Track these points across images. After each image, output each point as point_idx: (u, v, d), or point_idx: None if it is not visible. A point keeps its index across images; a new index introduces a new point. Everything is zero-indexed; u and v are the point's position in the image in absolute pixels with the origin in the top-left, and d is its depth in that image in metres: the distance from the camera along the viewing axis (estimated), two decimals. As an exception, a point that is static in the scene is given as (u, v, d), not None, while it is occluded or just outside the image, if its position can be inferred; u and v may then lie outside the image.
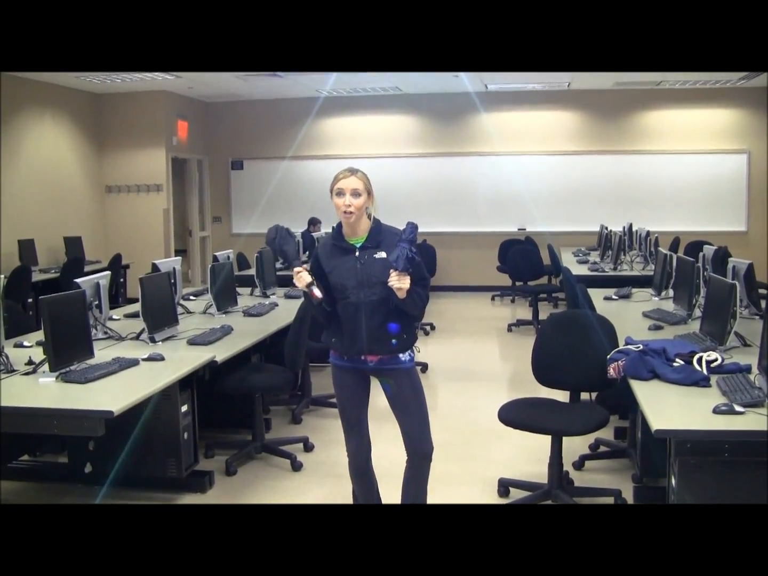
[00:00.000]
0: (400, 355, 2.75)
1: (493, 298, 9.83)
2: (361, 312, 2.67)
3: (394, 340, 2.70)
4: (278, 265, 7.23)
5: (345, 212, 2.65)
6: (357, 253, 2.69)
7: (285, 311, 4.83)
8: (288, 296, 5.50)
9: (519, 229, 10.34)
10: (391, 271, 2.55)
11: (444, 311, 8.92)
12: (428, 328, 7.67)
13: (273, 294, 5.58)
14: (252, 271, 5.89)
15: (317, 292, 2.60)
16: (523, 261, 8.15)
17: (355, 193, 2.64)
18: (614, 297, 5.12)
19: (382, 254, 2.67)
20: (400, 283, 2.55)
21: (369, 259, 2.68)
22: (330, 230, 3.01)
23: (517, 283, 8.64)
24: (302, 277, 2.61)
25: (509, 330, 7.66)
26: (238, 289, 5.29)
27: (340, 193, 2.64)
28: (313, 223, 9.44)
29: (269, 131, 10.80)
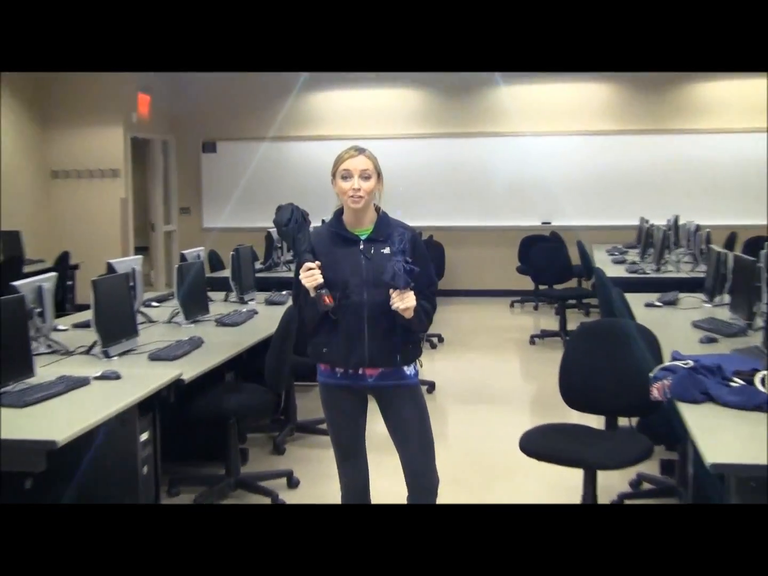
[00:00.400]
0: (405, 368, 2.78)
1: (512, 305, 9.86)
2: (364, 314, 2.69)
3: (400, 350, 2.73)
4: (258, 265, 7.26)
5: (353, 197, 2.67)
6: (362, 246, 2.72)
7: (266, 320, 4.84)
8: (270, 302, 5.50)
9: (543, 223, 10.39)
10: (391, 292, 2.59)
11: (454, 320, 8.95)
12: (435, 340, 7.68)
13: (252, 300, 5.59)
14: (227, 273, 5.90)
15: (329, 297, 2.62)
16: (547, 261, 8.19)
17: (365, 176, 2.68)
18: (657, 303, 5.12)
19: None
20: (404, 302, 2.59)
21: (376, 254, 2.71)
22: (322, 223, 3.01)
23: (541, 287, 8.68)
24: (314, 275, 2.62)
25: (532, 342, 7.68)
26: (210, 294, 5.30)
27: (347, 175, 2.68)
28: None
29: (247, 108, 10.80)
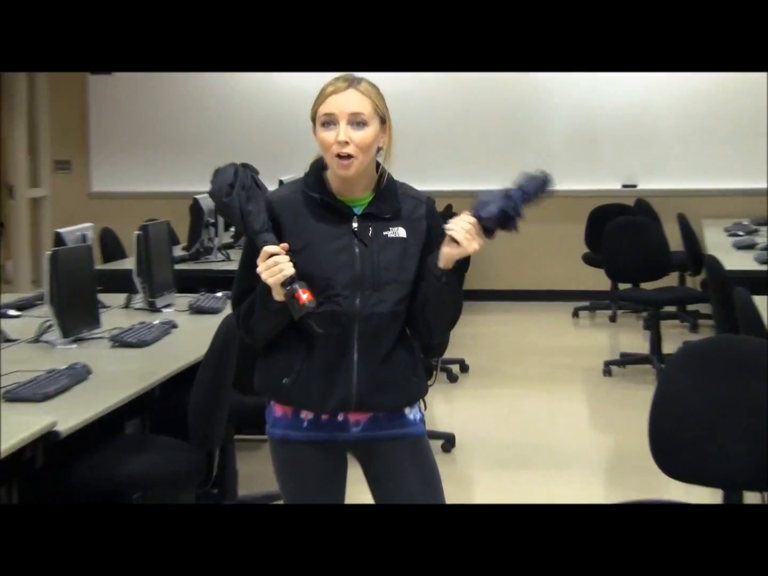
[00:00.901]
0: (406, 411, 2.88)
1: (576, 314, 9.93)
2: (354, 330, 2.77)
3: (404, 383, 2.85)
4: (178, 251, 7.23)
5: (339, 156, 2.72)
6: (356, 224, 2.79)
7: (190, 337, 4.85)
8: (196, 309, 5.51)
9: (624, 186, 10.49)
10: (467, 213, 2.73)
11: (485, 338, 8.98)
12: (455, 368, 7.70)
13: (168, 306, 5.61)
14: (129, 264, 5.91)
15: (306, 295, 2.63)
16: (631, 245, 8.16)
17: (358, 121, 2.73)
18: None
19: (401, 232, 2.80)
20: (464, 236, 2.70)
21: (378, 237, 2.79)
22: (280, 184, 3.04)
23: (622, 286, 8.68)
24: (281, 265, 2.64)
25: (607, 372, 7.72)
26: (103, 297, 5.30)
27: (329, 121, 2.74)
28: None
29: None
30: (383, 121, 2.79)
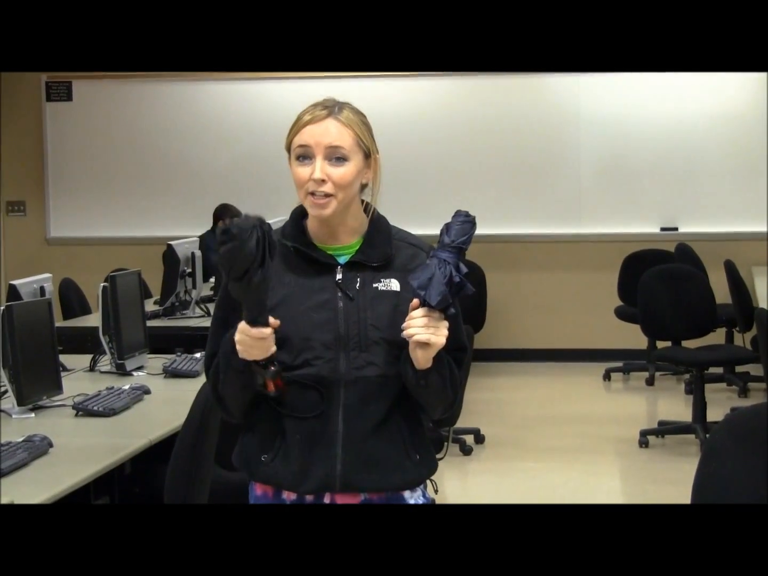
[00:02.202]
0: (406, 495, 2.84)
1: (607, 376, 9.91)
2: (339, 398, 2.75)
3: (399, 461, 2.79)
4: (150, 307, 7.23)
5: (314, 194, 2.69)
6: (340, 275, 2.77)
7: (164, 405, 4.87)
8: (171, 373, 5.52)
9: (663, 230, 10.51)
10: (415, 303, 2.63)
11: (503, 404, 8.94)
12: (469, 439, 7.70)
13: (139, 369, 5.61)
14: (93, 321, 5.98)
15: (277, 382, 2.64)
16: (671, 297, 8.16)
17: (337, 156, 2.72)
18: None
19: (393, 284, 2.78)
20: (425, 331, 2.61)
21: (366, 290, 2.77)
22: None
23: (661, 345, 8.66)
24: (266, 343, 2.59)
25: (644, 444, 7.68)
26: (65, 359, 5.30)
27: (305, 154, 2.72)
28: (222, 215, 9.50)
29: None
30: (367, 155, 2.77)
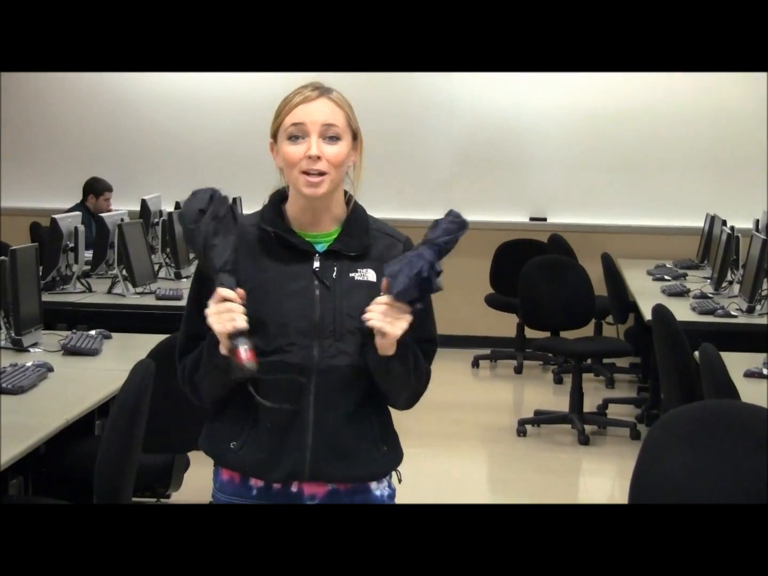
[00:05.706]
0: (372, 486, 2.87)
1: (476, 363, 10.01)
2: (310, 387, 2.76)
3: (370, 452, 2.83)
4: (52, 276, 7.11)
5: (308, 173, 2.70)
6: (317, 263, 2.79)
7: (70, 384, 4.82)
8: (70, 351, 5.45)
9: (532, 219, 10.64)
10: (384, 288, 2.68)
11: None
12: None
13: (34, 345, 5.54)
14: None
15: (246, 354, 2.61)
16: (553, 288, 8.28)
17: (331, 134, 2.75)
18: (766, 372, 5.26)
19: (370, 274, 2.81)
20: (382, 319, 2.65)
21: (342, 279, 2.79)
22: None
23: (538, 335, 8.75)
24: (233, 313, 2.62)
25: (521, 432, 7.78)
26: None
27: (298, 134, 2.73)
28: (94, 190, 9.38)
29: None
30: (355, 136, 2.81)
